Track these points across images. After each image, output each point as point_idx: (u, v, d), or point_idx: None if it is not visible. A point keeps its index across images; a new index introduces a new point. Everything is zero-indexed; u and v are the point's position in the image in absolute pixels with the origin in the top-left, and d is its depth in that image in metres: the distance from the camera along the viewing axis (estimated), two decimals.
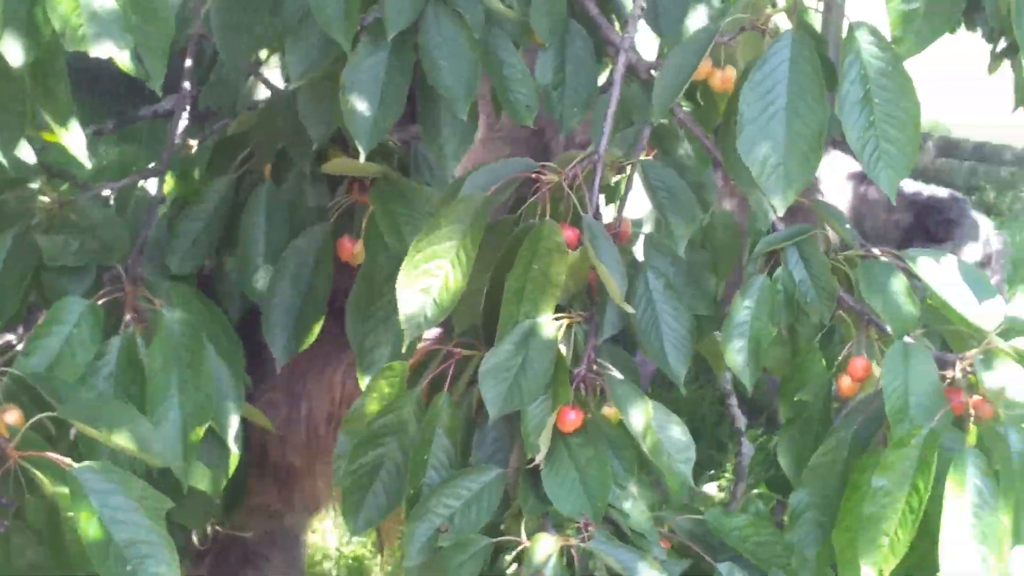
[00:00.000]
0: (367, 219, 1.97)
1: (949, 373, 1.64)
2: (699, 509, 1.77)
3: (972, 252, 3.93)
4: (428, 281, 1.55)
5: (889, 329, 1.65)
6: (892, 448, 1.54)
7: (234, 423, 1.87)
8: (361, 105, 1.66)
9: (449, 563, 1.53)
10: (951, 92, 8.16)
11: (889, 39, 1.58)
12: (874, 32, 1.56)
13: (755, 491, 3.45)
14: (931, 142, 7.47)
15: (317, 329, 2.01)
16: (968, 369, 1.62)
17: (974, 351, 1.63)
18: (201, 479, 1.88)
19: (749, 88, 1.56)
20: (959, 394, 1.61)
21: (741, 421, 2.57)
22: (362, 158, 1.68)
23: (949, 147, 7.53)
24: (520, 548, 1.58)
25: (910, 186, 4.18)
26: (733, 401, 2.54)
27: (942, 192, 4.19)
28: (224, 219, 2.08)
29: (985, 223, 4.04)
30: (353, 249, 2.01)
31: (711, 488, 4.18)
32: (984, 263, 3.89)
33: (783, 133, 1.55)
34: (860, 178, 4.11)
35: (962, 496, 1.50)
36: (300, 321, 2.01)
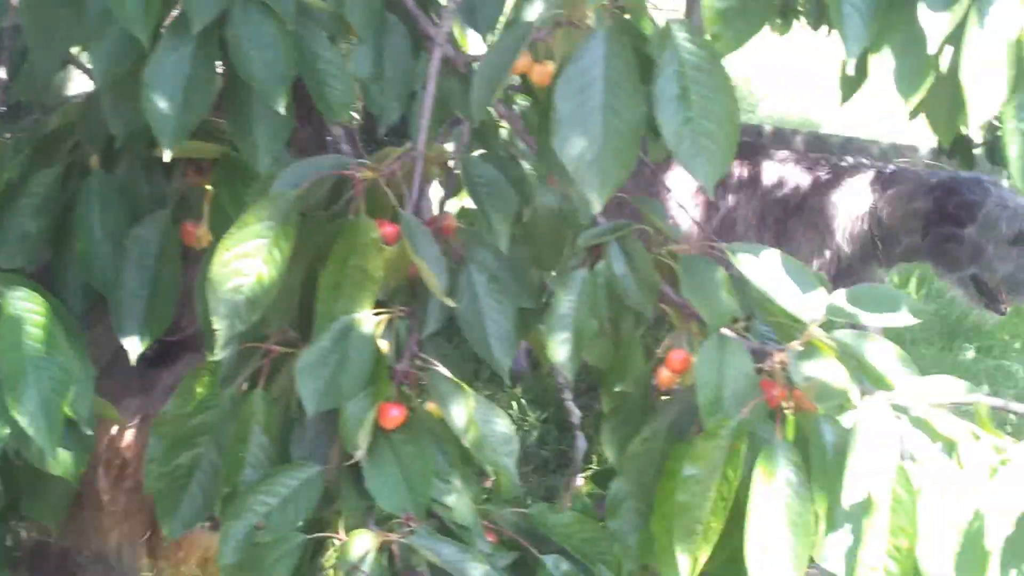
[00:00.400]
0: (210, 202, 1.94)
1: (768, 365, 1.67)
2: (526, 503, 1.79)
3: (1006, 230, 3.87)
4: (239, 280, 1.53)
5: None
6: (703, 438, 1.56)
7: (87, 406, 1.82)
8: (163, 103, 1.63)
9: (263, 560, 1.52)
10: (821, 89, 8.32)
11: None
12: (691, 29, 1.58)
13: (580, 485, 3.48)
14: (800, 137, 7.61)
15: (169, 316, 1.98)
16: (783, 361, 1.64)
17: (793, 344, 1.66)
18: (59, 464, 1.84)
19: (564, 84, 1.56)
20: (774, 386, 1.64)
21: (575, 415, 2.59)
22: (166, 156, 1.65)
23: (818, 142, 7.66)
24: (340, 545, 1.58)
25: (927, 173, 4.21)
26: (568, 395, 2.56)
27: (963, 174, 4.15)
28: (54, 212, 2.03)
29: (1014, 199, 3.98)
30: (196, 232, 1.98)
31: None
32: (1018, 240, 3.85)
33: (600, 129, 1.55)
34: (877, 177, 4.14)
35: (771, 485, 1.52)
36: (150, 310, 1.97)
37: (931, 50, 1.43)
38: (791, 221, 4.22)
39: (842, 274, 4.16)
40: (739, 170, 4.34)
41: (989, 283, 3.91)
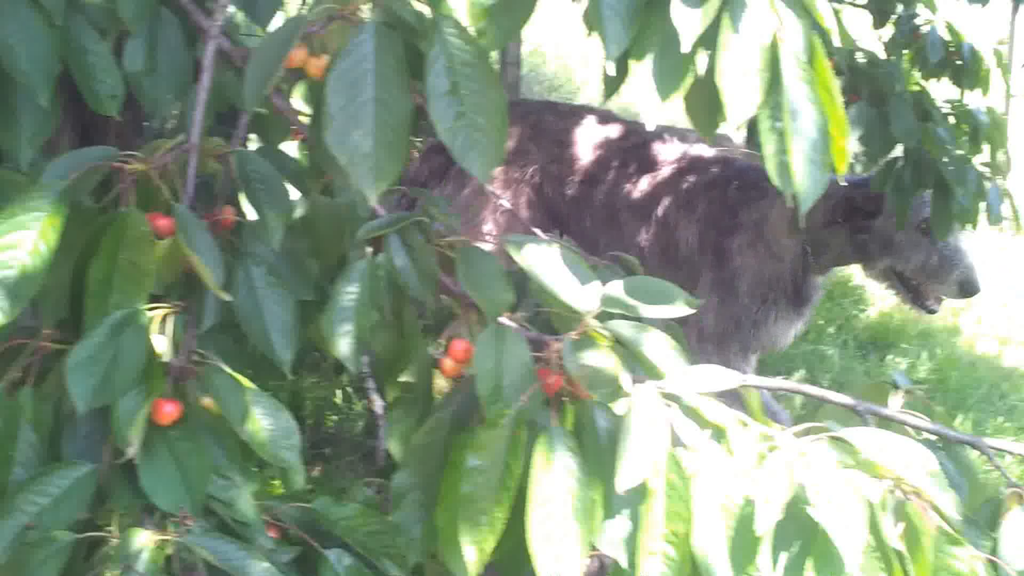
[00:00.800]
0: None
1: (546, 354, 1.70)
2: (308, 497, 1.78)
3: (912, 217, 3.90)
4: (3, 273, 1.49)
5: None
6: (484, 428, 1.58)
7: None
8: None
9: (30, 560, 1.49)
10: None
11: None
12: (458, 25, 1.59)
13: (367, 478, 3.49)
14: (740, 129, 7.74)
15: None
16: (559, 351, 1.68)
17: (570, 334, 1.69)
18: None
19: (336, 78, 1.56)
20: (551, 374, 1.67)
21: (377, 404, 2.59)
22: None
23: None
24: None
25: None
26: (371, 384, 2.56)
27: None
28: None
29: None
30: None
31: None
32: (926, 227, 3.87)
33: (372, 123, 1.56)
34: None
35: (551, 472, 1.54)
36: None
37: (684, 48, 1.47)
38: (726, 241, 4.17)
39: (785, 291, 4.13)
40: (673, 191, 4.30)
41: (911, 277, 3.95)
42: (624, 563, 1.55)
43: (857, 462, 1.61)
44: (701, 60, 1.52)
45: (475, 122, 1.59)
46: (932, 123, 4.39)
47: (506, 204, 4.03)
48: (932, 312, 4.06)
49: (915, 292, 4.01)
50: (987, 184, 4.44)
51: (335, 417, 4.11)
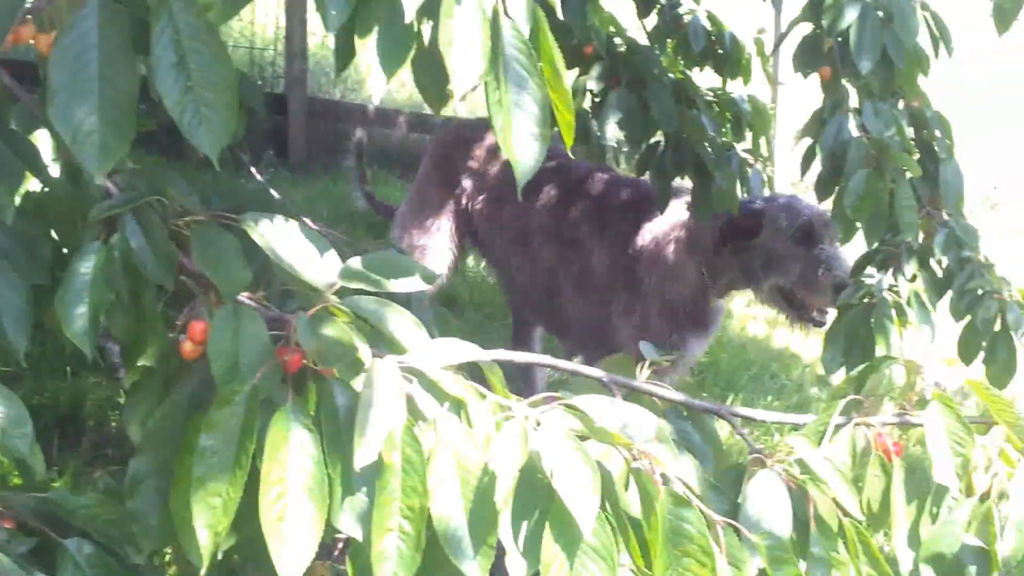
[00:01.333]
0: None
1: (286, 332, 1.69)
2: (45, 487, 1.74)
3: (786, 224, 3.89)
4: None
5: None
6: (216, 406, 1.56)
7: None
8: None
9: None
10: None
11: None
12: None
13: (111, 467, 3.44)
14: (403, 117, 7.73)
15: None
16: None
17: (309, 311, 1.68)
18: None
19: (59, 53, 1.53)
20: (289, 352, 1.66)
21: None
22: None
23: (420, 122, 7.82)
24: None
25: None
26: (122, 373, 2.51)
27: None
28: None
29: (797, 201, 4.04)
30: None
31: None
32: (803, 237, 3.87)
33: (96, 100, 1.53)
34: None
35: (285, 451, 1.54)
36: None
37: (408, 18, 1.48)
38: (636, 265, 4.14)
39: (689, 315, 4.11)
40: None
41: (794, 291, 3.92)
42: (360, 539, 1.55)
43: (592, 430, 1.64)
44: (426, 31, 1.53)
45: (203, 97, 1.57)
46: (695, 110, 4.53)
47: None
48: (820, 325, 3.95)
49: (800, 308, 3.97)
50: (749, 170, 4.63)
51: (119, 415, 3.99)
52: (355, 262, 1.74)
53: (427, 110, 8.10)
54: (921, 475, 1.93)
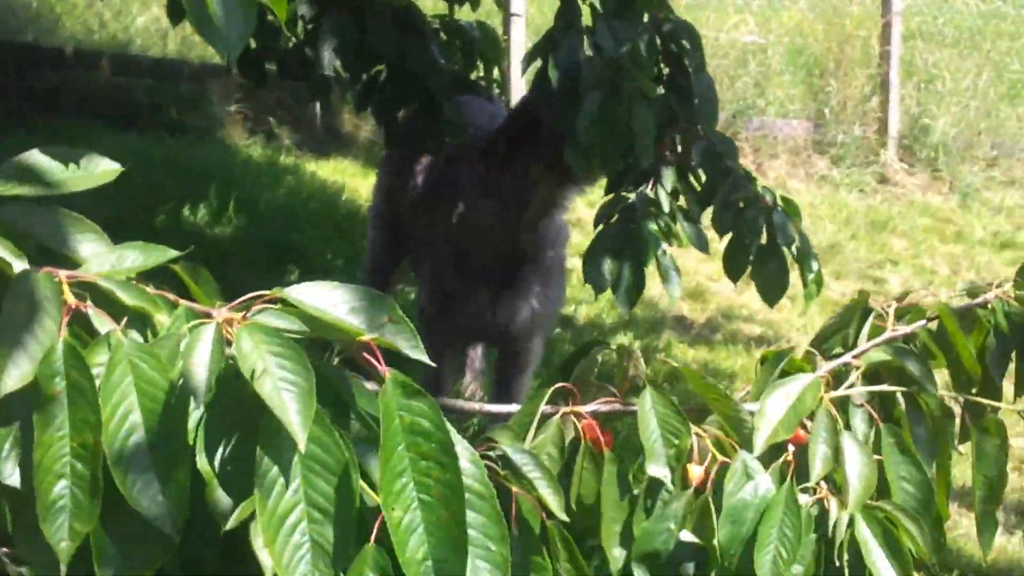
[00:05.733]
0: None
1: None
2: None
3: None
4: None
5: None
6: None
7: None
8: None
9: None
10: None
11: None
12: None
13: None
14: (106, 59, 7.11)
15: None
16: None
17: None
18: None
19: None
20: None
21: None
22: None
23: (127, 64, 7.23)
24: None
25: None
26: None
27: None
28: None
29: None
30: None
31: None
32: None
33: None
34: None
35: None
36: None
37: None
38: (440, 207, 3.62)
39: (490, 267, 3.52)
40: None
41: None
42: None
43: (307, 321, 1.38)
44: None
45: None
46: (420, 38, 4.24)
47: None
48: None
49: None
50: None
51: None
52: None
53: (132, 50, 7.51)
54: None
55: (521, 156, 3.30)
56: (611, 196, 3.10)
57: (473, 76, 4.43)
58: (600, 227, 3.06)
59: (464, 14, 4.91)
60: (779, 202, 3.07)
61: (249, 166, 6.60)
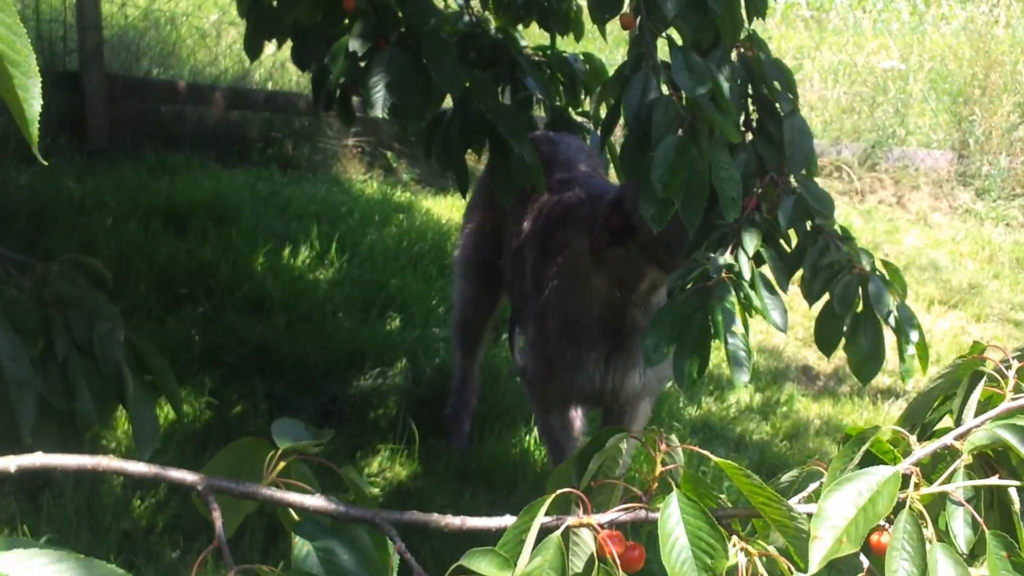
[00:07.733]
0: None
1: None
2: None
3: None
4: None
5: None
6: None
7: None
8: None
9: None
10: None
11: None
12: None
13: None
14: (219, 93, 7.01)
15: None
16: None
17: None
18: None
19: None
20: None
21: None
22: None
23: (241, 97, 7.12)
24: None
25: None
26: None
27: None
28: None
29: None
30: None
31: None
32: None
33: None
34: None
35: None
36: None
37: None
38: (544, 271, 3.55)
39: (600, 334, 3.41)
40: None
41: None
42: None
43: None
44: None
45: None
46: (520, 72, 4.01)
47: None
48: None
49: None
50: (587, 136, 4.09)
51: None
52: None
53: (247, 84, 7.40)
54: None
55: (626, 246, 3.19)
56: (687, 260, 2.72)
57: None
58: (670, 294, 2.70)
59: (568, 44, 4.64)
60: (879, 267, 2.69)
61: (358, 203, 6.37)
